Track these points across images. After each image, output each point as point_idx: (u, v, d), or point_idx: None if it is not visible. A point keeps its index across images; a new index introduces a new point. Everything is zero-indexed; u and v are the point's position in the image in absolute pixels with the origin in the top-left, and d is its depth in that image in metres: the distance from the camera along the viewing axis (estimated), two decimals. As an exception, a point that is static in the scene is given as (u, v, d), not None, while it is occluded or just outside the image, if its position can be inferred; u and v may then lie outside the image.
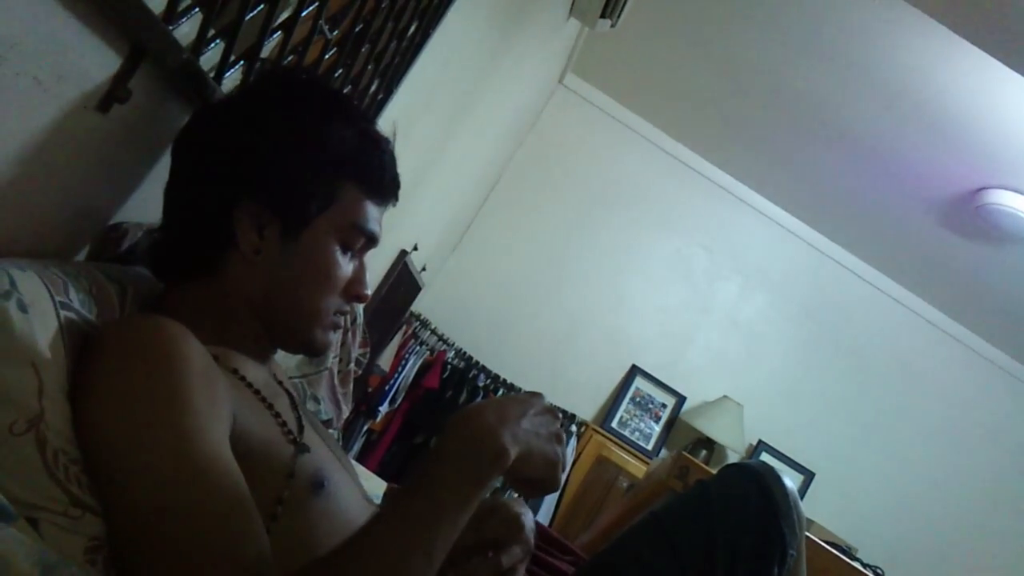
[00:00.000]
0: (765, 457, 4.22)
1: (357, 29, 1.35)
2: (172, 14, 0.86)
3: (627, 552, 1.17)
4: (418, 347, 3.77)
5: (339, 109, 0.93)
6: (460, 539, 0.84)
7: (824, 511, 4.15)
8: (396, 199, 0.99)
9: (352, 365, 1.47)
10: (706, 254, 4.53)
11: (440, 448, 0.71)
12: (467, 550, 0.82)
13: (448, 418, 0.74)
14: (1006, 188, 3.35)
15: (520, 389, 4.01)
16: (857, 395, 4.45)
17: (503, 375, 4.05)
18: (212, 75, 0.99)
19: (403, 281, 3.13)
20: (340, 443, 1.52)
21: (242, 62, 1.06)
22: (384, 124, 1.02)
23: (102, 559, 0.66)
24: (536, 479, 0.77)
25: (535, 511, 3.75)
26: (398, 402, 3.63)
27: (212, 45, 0.97)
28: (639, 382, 4.35)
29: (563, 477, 0.79)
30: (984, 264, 3.94)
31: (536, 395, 0.80)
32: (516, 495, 0.89)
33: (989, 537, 4.34)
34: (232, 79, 1.05)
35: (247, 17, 0.99)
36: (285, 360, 1.27)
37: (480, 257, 4.38)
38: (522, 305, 4.35)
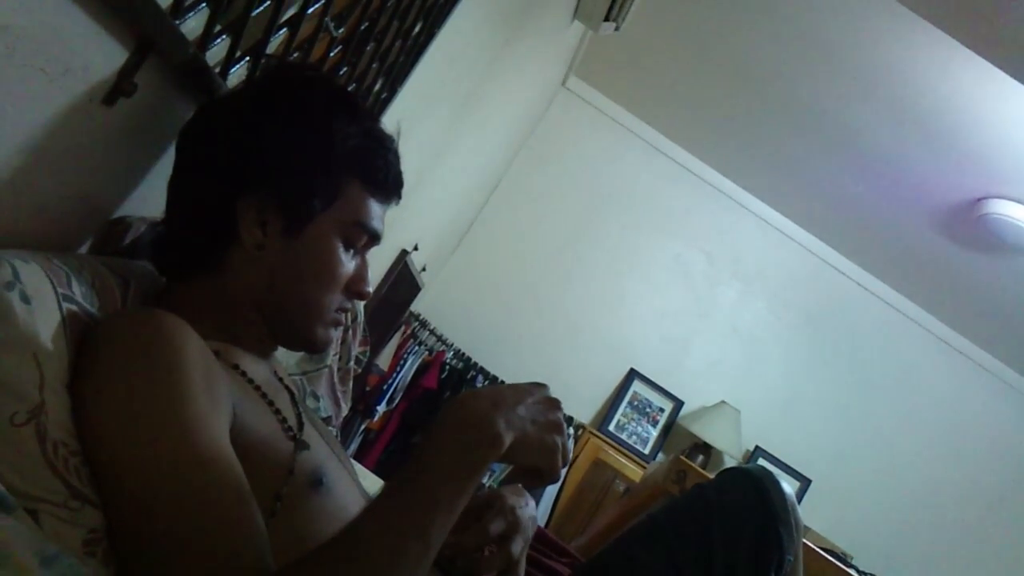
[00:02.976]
0: (762, 463, 4.22)
1: (362, 27, 1.35)
2: (179, 9, 0.86)
3: (624, 554, 1.17)
4: (417, 347, 3.77)
5: (344, 106, 0.93)
6: (465, 540, 0.84)
7: (820, 518, 4.15)
8: (399, 198, 0.99)
9: (352, 363, 1.47)
10: (706, 259, 4.53)
11: (434, 433, 0.71)
12: (474, 549, 0.83)
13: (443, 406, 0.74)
14: (1008, 198, 3.35)
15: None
16: (855, 403, 4.45)
17: (501, 376, 4.05)
18: (218, 70, 0.99)
19: (403, 281, 3.13)
20: (338, 441, 1.52)
21: (247, 58, 1.06)
22: (388, 123, 1.02)
23: (101, 551, 0.66)
24: (535, 468, 0.76)
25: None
26: (396, 401, 3.62)
27: (218, 40, 0.97)
28: (637, 386, 4.35)
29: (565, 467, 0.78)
30: (984, 274, 3.94)
31: (539, 385, 0.79)
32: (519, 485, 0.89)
33: (986, 547, 4.34)
34: (237, 75, 1.05)
35: (253, 13, 0.99)
36: (285, 357, 1.27)
37: (480, 258, 4.38)
38: (521, 307, 4.35)
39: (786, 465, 4.30)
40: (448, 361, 3.94)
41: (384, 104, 1.61)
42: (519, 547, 0.87)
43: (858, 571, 2.12)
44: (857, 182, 3.83)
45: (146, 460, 0.67)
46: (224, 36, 0.99)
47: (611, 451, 4.10)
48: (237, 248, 0.88)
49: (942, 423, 4.45)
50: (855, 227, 4.25)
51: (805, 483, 4.31)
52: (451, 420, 0.71)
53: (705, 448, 4.11)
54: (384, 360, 3.45)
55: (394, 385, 3.56)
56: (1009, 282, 3.87)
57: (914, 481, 4.39)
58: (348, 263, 0.93)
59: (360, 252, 0.96)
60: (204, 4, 0.91)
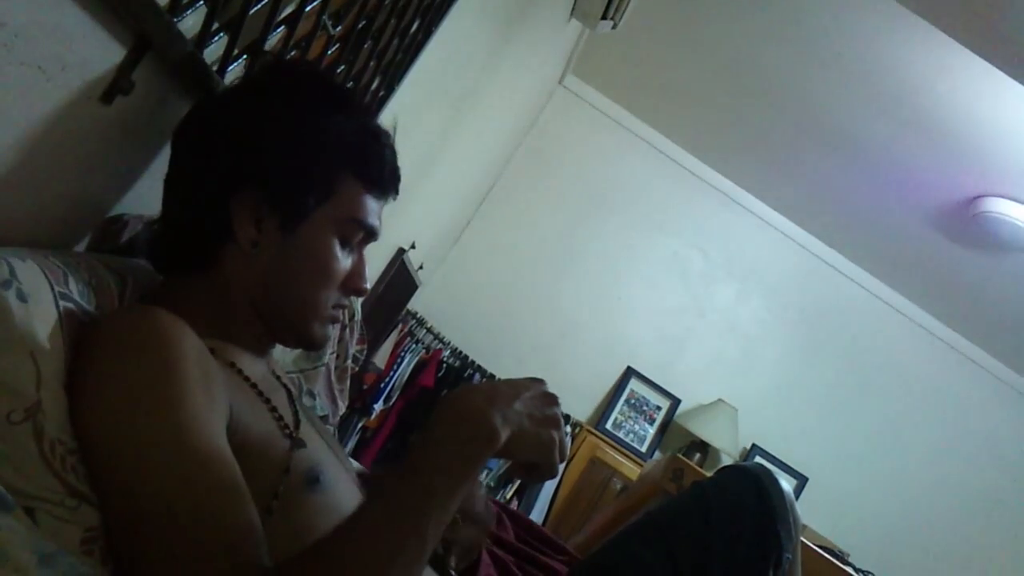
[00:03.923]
0: (759, 461, 4.22)
1: (360, 25, 1.35)
2: (177, 6, 0.86)
3: (623, 552, 1.17)
4: (414, 345, 3.77)
5: (339, 102, 0.93)
6: None
7: (817, 516, 4.15)
8: (396, 193, 0.98)
9: (349, 361, 1.47)
10: (703, 257, 4.54)
11: (430, 429, 0.71)
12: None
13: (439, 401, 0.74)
14: (1003, 196, 3.36)
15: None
16: (851, 400, 4.46)
17: (499, 374, 4.04)
18: (215, 68, 0.99)
19: (400, 279, 3.13)
20: (336, 439, 1.52)
21: (245, 56, 1.06)
22: (385, 120, 1.01)
23: (99, 549, 0.66)
24: (532, 463, 0.76)
25: (531, 504, 3.75)
26: (393, 400, 3.62)
27: (216, 38, 0.97)
28: (634, 384, 4.35)
29: (562, 463, 0.78)
30: (980, 272, 3.95)
31: (536, 380, 0.79)
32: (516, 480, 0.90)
33: (981, 544, 4.35)
34: (235, 73, 1.05)
35: (251, 11, 0.99)
36: (282, 355, 1.27)
37: (477, 256, 4.38)
38: (518, 305, 4.35)
39: (783, 463, 4.30)
40: (445, 359, 3.94)
41: (381, 102, 1.61)
42: (468, 534, 0.87)
43: (855, 569, 2.12)
44: (854, 180, 3.83)
45: (143, 458, 0.67)
46: (222, 34, 0.98)
47: (608, 449, 4.10)
48: (233, 245, 0.88)
49: (938, 421, 4.45)
50: (851, 225, 4.26)
51: (802, 481, 4.32)
52: (448, 415, 0.71)
53: (702, 446, 4.11)
54: (381, 358, 3.45)
55: (391, 383, 3.56)
56: (1005, 280, 3.87)
57: (911, 479, 4.40)
58: (344, 259, 0.93)
59: (357, 248, 0.95)
60: (202, 2, 0.91)
